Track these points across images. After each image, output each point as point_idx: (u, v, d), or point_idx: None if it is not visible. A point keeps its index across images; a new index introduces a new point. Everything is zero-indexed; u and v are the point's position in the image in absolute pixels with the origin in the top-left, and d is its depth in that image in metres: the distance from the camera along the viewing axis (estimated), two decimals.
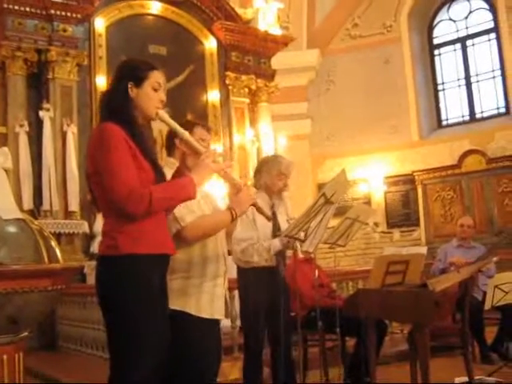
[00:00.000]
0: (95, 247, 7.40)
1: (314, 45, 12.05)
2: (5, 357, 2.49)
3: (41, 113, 7.68)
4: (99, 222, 7.20)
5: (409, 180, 11.30)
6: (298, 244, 3.51)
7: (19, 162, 7.42)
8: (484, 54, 11.48)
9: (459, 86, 11.75)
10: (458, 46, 11.80)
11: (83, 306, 6.18)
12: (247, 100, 9.86)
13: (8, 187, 2.97)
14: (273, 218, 3.48)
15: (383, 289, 3.59)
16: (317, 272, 4.06)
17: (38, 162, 7.63)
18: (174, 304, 2.41)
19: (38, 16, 7.88)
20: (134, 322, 2.14)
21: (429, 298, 3.38)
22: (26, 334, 2.63)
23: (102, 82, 8.19)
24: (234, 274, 3.62)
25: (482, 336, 5.13)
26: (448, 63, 11.91)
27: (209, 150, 2.44)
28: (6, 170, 2.98)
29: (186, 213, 2.47)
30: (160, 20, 9.14)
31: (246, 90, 9.80)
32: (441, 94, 11.96)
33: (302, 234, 3.37)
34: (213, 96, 9.50)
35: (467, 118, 11.60)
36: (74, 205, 7.67)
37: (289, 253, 3.77)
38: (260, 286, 3.45)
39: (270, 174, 3.60)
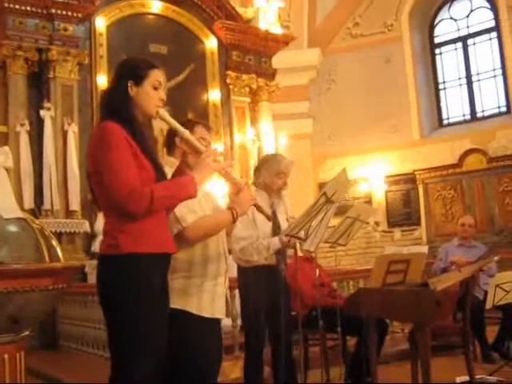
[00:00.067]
0: (96, 246, 7.40)
1: (315, 44, 12.05)
2: (6, 356, 2.49)
3: (42, 112, 7.68)
4: (100, 221, 7.20)
5: (410, 179, 11.29)
6: (297, 243, 3.51)
7: (20, 161, 7.42)
8: (485, 52, 11.47)
9: (460, 85, 11.74)
10: (459, 44, 11.79)
11: (84, 305, 6.18)
12: (248, 99, 9.85)
13: (9, 186, 2.97)
14: (273, 217, 3.49)
15: (384, 288, 3.59)
16: (317, 271, 4.06)
17: (38, 161, 7.63)
18: (175, 303, 2.41)
19: (38, 15, 7.88)
20: (134, 322, 2.14)
21: (430, 297, 3.38)
22: (27, 333, 2.63)
23: (102, 81, 8.19)
24: (234, 273, 3.62)
25: (483, 335, 5.13)
26: (449, 62, 11.91)
27: (209, 148, 2.44)
28: (6, 169, 2.98)
29: (187, 213, 2.46)
30: (161, 19, 9.14)
31: (247, 89, 9.80)
32: (442, 93, 11.95)
33: (302, 233, 3.37)
34: (213, 95, 9.50)
35: (468, 117, 11.59)
36: (75, 204, 7.67)
37: (290, 252, 3.77)
38: (260, 285, 3.45)
39: (269, 173, 3.60)
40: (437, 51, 12.07)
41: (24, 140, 7.55)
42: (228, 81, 9.61)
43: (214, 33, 9.56)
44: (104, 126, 2.20)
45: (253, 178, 3.79)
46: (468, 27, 11.75)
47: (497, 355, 5.07)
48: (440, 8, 12.07)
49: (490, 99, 11.38)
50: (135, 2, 8.86)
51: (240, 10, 9.99)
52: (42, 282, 2.52)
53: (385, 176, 11.54)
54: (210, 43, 9.57)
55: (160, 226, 2.25)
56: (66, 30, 8.01)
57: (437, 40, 12.09)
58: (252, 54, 9.89)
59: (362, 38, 12.14)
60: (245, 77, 9.71)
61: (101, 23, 8.50)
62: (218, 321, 2.62)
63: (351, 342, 4.41)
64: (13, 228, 2.58)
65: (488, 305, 4.40)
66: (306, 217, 3.27)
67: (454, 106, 11.79)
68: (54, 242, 2.74)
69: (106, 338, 2.29)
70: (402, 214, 11.47)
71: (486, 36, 11.48)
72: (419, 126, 11.59)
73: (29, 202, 7.41)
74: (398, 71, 11.73)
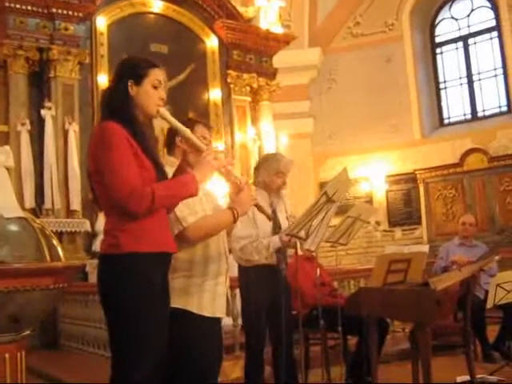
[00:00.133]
0: (97, 246, 7.40)
1: (316, 43, 12.04)
2: (7, 355, 2.49)
3: (42, 111, 7.68)
4: (101, 221, 7.21)
5: (410, 178, 11.29)
6: (297, 241, 3.51)
7: (21, 160, 7.42)
8: (486, 52, 11.46)
9: (461, 84, 11.73)
10: (460, 44, 11.78)
11: (85, 304, 6.19)
12: (249, 98, 9.85)
13: (10, 186, 2.98)
14: (273, 216, 3.49)
15: (385, 287, 3.59)
16: (318, 270, 4.06)
17: (39, 160, 7.63)
18: (176, 302, 2.41)
19: (39, 14, 7.88)
20: (135, 321, 2.14)
21: (430, 296, 3.38)
22: (27, 332, 2.64)
23: (103, 80, 8.20)
24: (235, 272, 3.62)
25: (484, 335, 5.12)
26: (450, 62, 11.90)
27: (210, 147, 2.44)
28: (7, 169, 2.99)
29: (188, 213, 2.46)
30: (161, 18, 9.14)
31: (248, 88, 9.80)
32: (443, 92, 11.95)
33: (303, 233, 3.37)
34: (214, 94, 9.50)
35: (469, 116, 11.58)
36: (76, 203, 7.67)
37: (290, 252, 3.77)
38: (261, 285, 3.45)
39: (268, 172, 3.60)
40: (438, 50, 12.06)
41: (25, 139, 7.55)
42: (229, 80, 9.60)
43: (214, 32, 9.56)
44: (105, 126, 2.20)
45: (252, 177, 3.78)
46: (469, 26, 11.74)
47: (497, 355, 5.06)
48: (441, 7, 12.06)
49: (491, 99, 11.37)
50: (136, 2, 8.86)
51: (241, 9, 9.99)
52: (43, 281, 2.52)
53: (386, 175, 11.53)
54: (211, 42, 9.57)
55: (161, 226, 2.25)
56: (66, 29, 8.01)
57: (438, 39, 12.08)
58: (253, 53, 9.89)
59: (363, 38, 12.13)
60: (246, 76, 9.71)
61: (101, 22, 8.50)
62: (218, 320, 2.63)
63: (352, 341, 4.41)
64: (14, 227, 2.59)
65: (489, 304, 4.40)
66: (307, 216, 3.26)
67: (455, 106, 11.78)
68: (55, 242, 2.74)
69: (106, 338, 2.29)
70: (403, 214, 11.47)
71: (487, 35, 11.47)
72: (420, 126, 11.59)
73: (30, 201, 7.41)
74: (399, 71, 11.72)
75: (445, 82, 11.92)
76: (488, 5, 11.51)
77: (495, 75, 11.36)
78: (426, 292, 3.42)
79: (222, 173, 2.46)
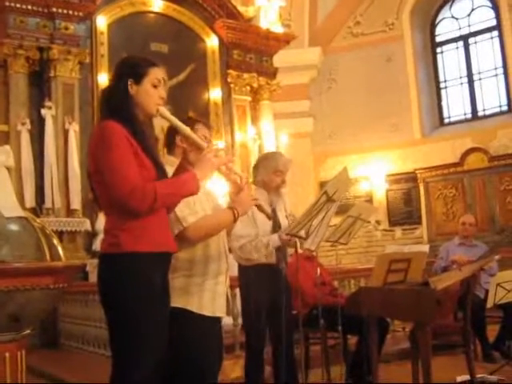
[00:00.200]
0: (97, 245, 7.40)
1: (316, 43, 12.04)
2: (7, 354, 2.49)
3: (43, 111, 7.68)
4: (101, 220, 7.21)
5: (411, 178, 11.28)
6: (297, 240, 3.51)
7: (21, 160, 7.41)
8: (486, 51, 11.45)
9: (461, 83, 11.73)
10: (461, 43, 11.77)
11: (85, 303, 6.19)
12: (249, 98, 9.85)
13: (10, 185, 2.98)
14: (272, 215, 3.50)
15: (385, 287, 3.59)
16: (319, 270, 4.07)
17: (39, 160, 7.63)
18: (176, 302, 2.41)
19: (39, 14, 7.88)
20: (134, 321, 2.14)
21: (430, 296, 3.38)
22: (28, 331, 2.64)
23: (103, 79, 8.19)
24: (235, 271, 3.62)
25: (484, 334, 5.12)
26: (450, 61, 11.89)
27: (211, 145, 2.44)
28: (7, 168, 2.99)
29: (189, 213, 2.47)
30: (161, 18, 9.14)
31: (248, 88, 9.80)
32: (443, 91, 11.94)
33: (303, 232, 3.37)
34: (214, 94, 9.49)
35: (469, 115, 11.58)
36: (76, 203, 7.68)
37: (290, 251, 3.77)
38: (261, 284, 3.45)
39: (267, 171, 3.60)
40: (438, 50, 12.05)
41: (25, 139, 7.55)
42: (229, 80, 9.60)
43: (215, 31, 9.56)
44: (104, 126, 2.20)
45: (251, 176, 3.79)
46: (469, 26, 11.73)
47: (498, 354, 5.06)
48: (441, 7, 12.05)
49: (492, 98, 11.37)
50: (136, 1, 8.86)
51: (241, 8, 9.99)
52: (43, 280, 2.52)
53: (386, 175, 11.53)
54: (211, 42, 9.57)
55: (161, 225, 2.25)
56: (66, 28, 8.01)
57: (438, 39, 12.08)
58: (253, 52, 9.89)
59: (363, 37, 12.13)
60: (246, 75, 9.71)
61: (102, 22, 8.50)
62: (218, 320, 2.63)
63: (352, 340, 4.41)
64: (14, 227, 2.59)
65: (489, 304, 4.40)
66: (307, 216, 3.26)
67: (455, 105, 11.78)
68: (55, 241, 2.74)
69: (106, 337, 2.29)
70: (403, 213, 11.46)
71: (488, 35, 11.47)
72: (420, 125, 11.58)
73: (30, 200, 7.41)
74: (399, 70, 11.72)
75: (445, 81, 11.92)
76: (488, 4, 11.51)
77: (495, 75, 11.35)
78: (426, 291, 3.42)
79: (222, 172, 2.47)
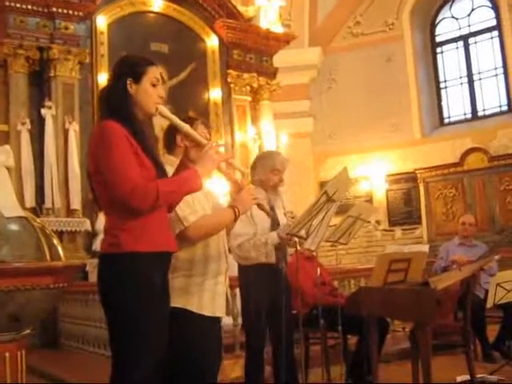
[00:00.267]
0: (97, 245, 7.41)
1: (316, 43, 12.04)
2: (7, 354, 2.49)
3: (43, 111, 7.69)
4: (101, 220, 7.21)
5: (411, 178, 11.28)
6: (297, 239, 3.51)
7: (21, 160, 7.42)
8: (486, 51, 11.45)
9: (461, 83, 11.73)
10: (461, 43, 11.77)
11: (85, 303, 6.19)
12: (249, 98, 9.85)
13: (10, 185, 2.98)
14: (272, 214, 3.51)
15: (385, 287, 3.59)
16: (319, 270, 4.06)
17: (39, 159, 7.63)
18: (176, 302, 2.41)
19: (39, 14, 7.89)
20: (134, 321, 2.14)
21: (430, 296, 3.38)
22: (28, 331, 2.64)
23: (103, 79, 8.17)
24: (235, 271, 3.62)
25: (484, 334, 5.12)
26: (450, 61, 11.89)
27: (211, 142, 2.45)
28: (7, 168, 2.99)
29: (189, 213, 2.47)
30: (162, 18, 9.14)
31: (248, 87, 9.80)
32: (443, 91, 11.94)
33: (303, 232, 3.37)
34: (214, 94, 9.49)
35: (469, 115, 11.58)
36: (76, 203, 7.68)
37: (290, 251, 3.77)
38: (261, 284, 3.45)
39: (264, 170, 3.61)
40: (438, 50, 12.05)
41: (25, 139, 7.55)
42: (229, 79, 9.60)
43: (215, 31, 9.56)
44: (104, 125, 2.19)
45: (250, 176, 3.79)
46: (469, 26, 11.73)
47: (498, 354, 5.06)
48: (441, 7, 12.05)
49: (491, 98, 11.37)
50: (136, 1, 8.87)
51: (241, 8, 9.99)
52: (43, 280, 2.52)
53: (386, 175, 11.53)
54: (211, 42, 9.57)
55: (161, 225, 2.24)
56: (66, 28, 8.02)
57: (438, 39, 12.08)
58: (253, 52, 9.89)
59: (363, 37, 12.13)
60: (246, 75, 9.71)
61: (102, 22, 8.50)
62: (218, 319, 2.63)
63: (352, 340, 4.41)
64: (14, 227, 2.59)
65: (489, 304, 4.40)
66: (307, 216, 3.26)
67: (455, 105, 11.78)
68: (55, 241, 2.74)
69: (106, 337, 2.29)
70: (403, 213, 11.46)
71: (488, 35, 11.47)
72: (420, 125, 11.58)
73: (30, 200, 7.41)
74: (399, 70, 11.72)
75: (445, 81, 11.92)
76: (488, 4, 11.51)
77: (495, 75, 11.35)
78: (426, 291, 3.42)
79: (222, 171, 2.47)
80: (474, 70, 11.56)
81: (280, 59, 10.33)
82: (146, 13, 9.02)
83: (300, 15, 11.74)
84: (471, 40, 11.67)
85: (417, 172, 11.06)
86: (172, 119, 2.38)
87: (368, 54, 11.88)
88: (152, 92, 2.30)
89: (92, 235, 7.81)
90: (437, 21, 12.10)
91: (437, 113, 11.84)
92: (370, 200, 11.30)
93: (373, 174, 11.50)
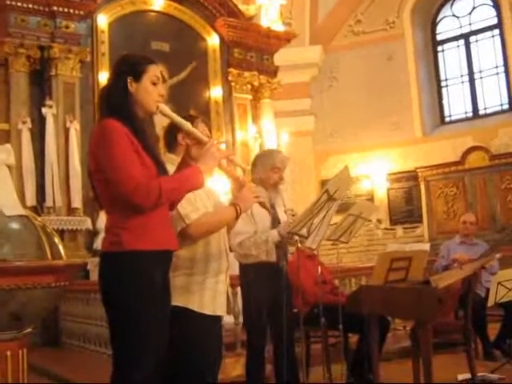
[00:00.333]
0: (98, 244, 7.41)
1: (317, 41, 12.03)
2: (8, 353, 2.50)
3: (43, 109, 7.69)
4: (102, 219, 7.21)
5: (412, 177, 11.28)
6: (298, 239, 3.51)
7: (22, 158, 7.42)
8: (487, 50, 11.44)
9: (462, 82, 11.72)
10: (462, 42, 11.77)
11: (86, 302, 6.19)
12: (250, 96, 9.84)
13: (11, 184, 2.98)
14: (272, 212, 3.52)
15: (386, 285, 3.58)
16: (320, 268, 4.07)
17: (40, 158, 7.64)
18: (177, 300, 2.42)
19: (40, 13, 7.88)
20: (135, 320, 2.14)
21: (432, 294, 3.38)
22: (29, 330, 2.64)
23: (104, 78, 8.17)
24: (236, 270, 3.62)
25: (485, 333, 5.12)
26: (451, 59, 11.88)
27: (212, 139, 2.45)
28: (8, 167, 2.99)
29: (191, 210, 2.47)
30: (162, 16, 9.13)
31: (249, 86, 9.79)
32: (444, 90, 11.94)
33: (304, 231, 3.37)
34: (215, 92, 9.49)
35: (470, 114, 11.57)
36: (77, 201, 7.68)
37: (291, 249, 3.78)
38: (262, 283, 3.45)
39: (264, 168, 3.62)
40: (439, 48, 12.04)
41: (26, 137, 7.55)
42: (230, 78, 9.60)
43: (215, 30, 9.55)
44: (105, 124, 2.20)
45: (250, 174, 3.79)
46: (470, 24, 11.72)
47: (498, 353, 5.06)
48: (442, 5, 12.04)
49: (493, 97, 11.36)
50: (137, 0, 8.86)
51: (242, 7, 9.98)
52: (45, 279, 2.52)
53: (387, 173, 11.53)
54: (212, 40, 9.56)
55: (162, 223, 2.25)
56: (67, 27, 8.01)
57: (439, 37, 12.07)
58: (254, 51, 9.88)
59: (364, 36, 12.12)
60: (247, 74, 9.70)
61: (102, 20, 8.49)
62: (219, 318, 2.63)
63: (353, 339, 4.41)
64: (15, 225, 2.59)
65: (490, 302, 4.40)
66: (308, 214, 3.26)
67: (456, 104, 11.77)
68: (56, 240, 2.74)
69: (107, 336, 2.30)
70: (404, 212, 11.47)
71: (489, 33, 11.46)
72: (421, 124, 11.58)
73: (31, 199, 7.42)
74: (400, 69, 11.71)
75: (446, 79, 11.91)
76: (489, 3, 11.50)
77: (497, 73, 11.35)
78: (427, 290, 3.42)
79: (223, 169, 2.47)
80: (475, 69, 11.56)
81: (281, 57, 10.32)
82: (146, 11, 9.01)
83: (301, 13, 11.74)
84: (472, 38, 11.66)
85: (418, 171, 11.06)
86: (173, 117, 2.38)
87: (369, 52, 11.87)
88: (152, 90, 2.30)
89: (93, 234, 7.81)
90: (438, 19, 12.10)
91: (438, 111, 11.84)
92: (371, 199, 11.28)
93: (374, 172, 11.49)
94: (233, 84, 9.62)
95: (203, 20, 9.49)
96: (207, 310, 2.52)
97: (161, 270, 2.24)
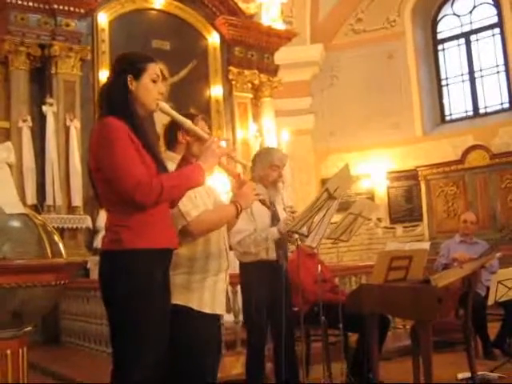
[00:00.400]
0: (98, 242, 7.41)
1: (318, 40, 12.03)
2: (8, 351, 2.49)
3: (44, 108, 7.69)
4: (102, 217, 7.21)
5: (412, 175, 11.28)
6: (297, 236, 3.51)
7: (22, 156, 7.42)
8: (488, 49, 11.44)
9: (463, 81, 11.72)
10: (462, 41, 11.76)
11: (86, 300, 6.20)
12: (250, 95, 9.84)
13: (11, 182, 2.97)
14: (272, 210, 3.53)
15: (386, 284, 3.58)
16: (320, 267, 4.07)
17: (41, 157, 7.64)
18: (177, 299, 2.42)
19: (41, 11, 7.88)
20: (135, 319, 2.14)
21: (432, 293, 3.38)
22: (29, 328, 2.64)
23: (104, 76, 8.17)
24: (236, 268, 3.63)
25: (485, 332, 5.13)
26: (452, 58, 11.88)
27: (212, 136, 2.45)
28: (9, 165, 2.98)
29: (192, 207, 2.47)
30: (163, 15, 9.12)
31: (249, 85, 9.78)
32: (444, 89, 11.93)
33: (304, 229, 3.37)
34: (216, 91, 9.48)
35: (471, 113, 11.57)
36: (77, 200, 7.68)
37: (291, 248, 3.78)
38: (262, 282, 3.46)
39: (262, 166, 3.63)
40: (440, 47, 12.04)
41: (26, 136, 7.55)
42: (230, 77, 9.59)
43: (216, 28, 9.54)
44: (105, 122, 2.20)
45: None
46: (471, 23, 11.72)
47: (498, 352, 5.07)
48: (443, 4, 12.04)
49: (493, 95, 11.36)
50: None
51: (242, 5, 9.97)
52: (45, 277, 2.52)
53: (387, 172, 11.53)
54: (213, 39, 9.55)
55: (163, 222, 2.25)
56: (68, 25, 8.01)
57: (440, 36, 12.06)
58: (254, 49, 9.87)
59: (365, 34, 12.12)
60: (247, 72, 9.69)
61: (103, 19, 8.49)
62: (218, 317, 2.63)
63: (353, 338, 4.42)
64: (15, 223, 2.58)
65: (490, 301, 4.40)
66: (309, 213, 3.27)
67: (457, 103, 11.77)
68: (57, 238, 2.74)
69: (107, 334, 2.30)
70: (404, 211, 11.47)
71: (489, 32, 11.46)
72: (421, 123, 11.58)
73: (31, 197, 7.42)
74: (401, 67, 11.71)
75: (447, 78, 11.91)
76: (490, 1, 11.49)
77: (497, 72, 11.35)
78: (427, 289, 3.42)
79: (224, 167, 2.48)
80: (476, 68, 11.55)
81: (281, 56, 10.32)
82: (147, 10, 9.00)
83: (301, 12, 11.73)
84: (473, 37, 11.66)
85: (418, 169, 11.05)
86: (173, 115, 2.39)
87: (369, 51, 11.87)
88: (152, 88, 2.30)
89: (93, 232, 7.81)
90: (438, 18, 12.09)
91: (438, 110, 11.84)
92: (371, 197, 11.27)
93: (374, 171, 11.50)
94: (233, 82, 9.62)
95: (204, 18, 9.48)
96: (207, 309, 2.52)
97: (161, 269, 2.24)
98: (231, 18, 9.54)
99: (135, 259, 2.16)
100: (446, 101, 11.88)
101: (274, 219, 3.56)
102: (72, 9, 8.00)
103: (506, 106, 11.15)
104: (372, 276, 3.86)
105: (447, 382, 4.18)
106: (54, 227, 2.81)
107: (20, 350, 2.55)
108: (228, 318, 5.03)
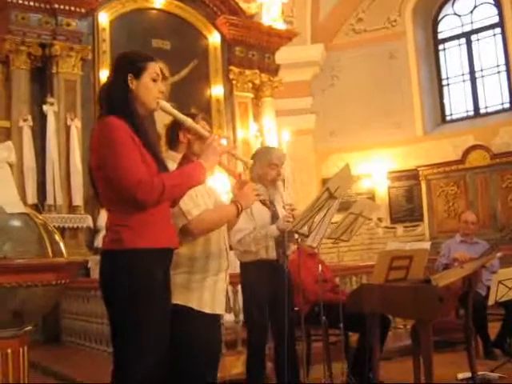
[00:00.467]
0: (99, 241, 7.41)
1: (319, 39, 12.03)
2: (9, 351, 2.50)
3: (45, 107, 7.69)
4: (103, 217, 7.21)
5: (412, 175, 11.28)
6: (298, 236, 3.52)
7: (23, 156, 7.43)
8: (489, 49, 11.44)
9: (464, 81, 11.72)
10: (463, 40, 11.76)
11: (87, 300, 6.20)
12: (251, 95, 9.83)
13: (12, 181, 2.98)
14: (273, 209, 3.54)
15: (386, 284, 3.58)
16: (320, 267, 4.06)
17: (41, 156, 7.64)
18: (177, 299, 2.42)
19: (41, 10, 7.88)
20: (136, 318, 2.14)
21: (432, 293, 3.38)
22: (30, 327, 2.64)
23: (105, 76, 8.17)
24: (236, 268, 3.63)
25: (486, 332, 5.13)
26: (453, 58, 11.88)
27: (213, 134, 2.46)
28: (9, 165, 2.99)
29: (193, 207, 2.48)
30: (163, 14, 9.13)
31: (250, 84, 9.78)
32: (445, 89, 11.93)
33: (305, 229, 3.37)
34: (216, 91, 9.48)
35: (471, 113, 11.57)
36: (78, 199, 7.69)
37: (292, 248, 3.78)
38: (263, 281, 3.46)
39: (261, 165, 3.63)
40: (440, 47, 12.04)
41: (27, 135, 7.56)
42: (231, 76, 9.59)
43: (217, 28, 9.54)
44: (106, 121, 2.20)
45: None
46: (472, 23, 11.71)
47: (499, 352, 5.06)
48: (444, 4, 12.03)
49: (494, 95, 11.36)
50: None
51: (243, 5, 9.97)
52: (46, 277, 2.52)
53: (388, 172, 11.53)
54: (213, 38, 9.55)
55: (163, 221, 2.25)
56: (68, 25, 8.01)
57: (440, 36, 12.06)
58: (255, 49, 9.87)
59: (366, 34, 12.12)
60: (248, 72, 9.69)
61: (104, 18, 8.49)
62: (218, 317, 2.63)
63: (354, 337, 4.41)
64: (16, 223, 2.59)
65: (490, 301, 4.40)
66: (309, 212, 3.27)
67: (458, 103, 11.77)
68: (57, 237, 2.74)
69: (108, 333, 2.30)
70: (405, 210, 11.47)
71: (490, 32, 11.45)
72: (422, 122, 11.58)
73: (32, 197, 7.42)
74: (402, 67, 11.70)
75: (447, 78, 11.91)
76: (491, 1, 11.48)
77: (498, 72, 11.34)
78: (427, 289, 3.42)
79: (224, 167, 2.48)
80: (477, 68, 11.55)
81: (282, 56, 10.32)
82: (147, 9, 9.01)
83: (302, 12, 11.73)
84: (474, 37, 11.66)
85: (419, 169, 11.05)
86: (174, 113, 2.39)
87: (370, 50, 11.87)
88: (152, 87, 2.31)
89: (94, 232, 7.82)
90: (439, 18, 12.09)
91: (439, 110, 11.84)
92: (371, 197, 11.28)
93: (375, 171, 11.50)
94: (234, 82, 9.62)
95: (204, 18, 9.48)
96: (207, 309, 2.52)
97: (161, 268, 2.24)
98: (232, 17, 9.54)
99: (136, 259, 2.16)
100: (446, 101, 11.88)
101: (274, 218, 3.56)
102: (73, 8, 8.00)
103: (507, 105, 11.15)
104: (372, 276, 3.86)
105: (448, 381, 4.18)
106: (54, 226, 2.81)
107: (21, 350, 2.56)
108: (228, 318, 5.03)
